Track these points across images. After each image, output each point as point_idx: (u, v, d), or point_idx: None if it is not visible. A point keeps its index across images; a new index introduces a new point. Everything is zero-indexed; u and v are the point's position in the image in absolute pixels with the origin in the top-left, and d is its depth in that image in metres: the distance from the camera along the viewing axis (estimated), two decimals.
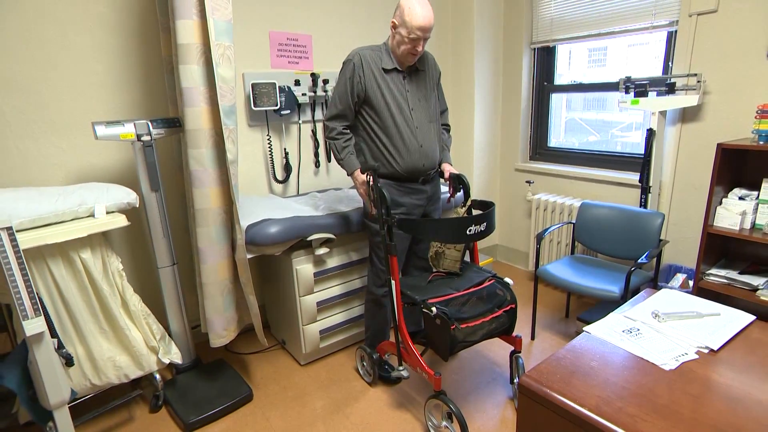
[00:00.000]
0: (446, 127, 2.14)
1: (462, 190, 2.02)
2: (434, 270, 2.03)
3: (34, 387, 1.53)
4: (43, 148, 1.94)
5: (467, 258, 2.11)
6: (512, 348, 1.96)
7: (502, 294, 1.82)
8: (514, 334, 1.89)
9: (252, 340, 2.52)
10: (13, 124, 1.87)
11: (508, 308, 1.80)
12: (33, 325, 1.42)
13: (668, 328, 1.21)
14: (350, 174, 1.93)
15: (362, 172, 1.90)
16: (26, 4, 1.83)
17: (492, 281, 1.88)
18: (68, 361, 1.56)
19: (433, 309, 1.69)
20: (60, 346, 1.54)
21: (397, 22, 1.78)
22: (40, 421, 1.57)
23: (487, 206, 1.87)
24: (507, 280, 1.88)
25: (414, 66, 1.93)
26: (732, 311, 1.28)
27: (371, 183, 1.80)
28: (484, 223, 1.72)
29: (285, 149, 2.55)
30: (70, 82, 1.96)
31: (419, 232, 1.76)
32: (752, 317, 1.24)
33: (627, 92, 2.42)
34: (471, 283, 1.88)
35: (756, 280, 1.94)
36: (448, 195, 2.12)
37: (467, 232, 1.69)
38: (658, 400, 0.95)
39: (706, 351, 1.11)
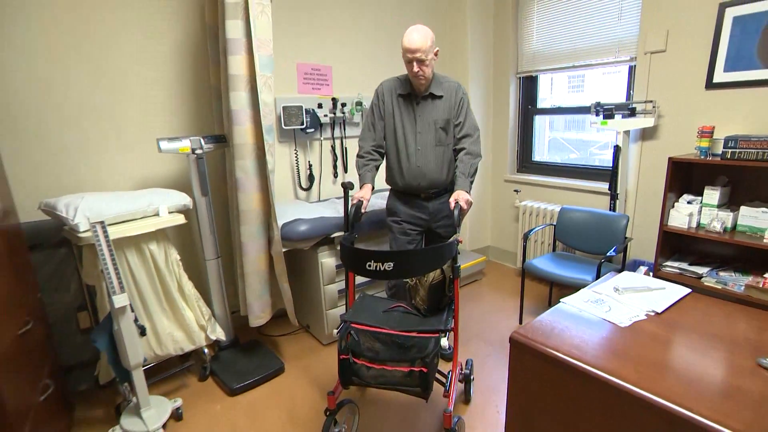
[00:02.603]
0: (465, 152, 1.96)
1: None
2: (411, 300, 1.82)
3: (117, 351, 1.75)
4: (114, 160, 2.19)
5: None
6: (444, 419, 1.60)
7: (421, 351, 1.48)
8: (445, 409, 1.63)
9: (280, 324, 2.74)
10: (93, 141, 2.11)
11: (418, 369, 1.45)
12: (120, 299, 1.65)
13: (625, 299, 1.45)
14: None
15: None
16: (110, 44, 2.09)
17: (433, 335, 1.53)
18: (142, 332, 1.78)
19: (335, 331, 1.59)
20: (135, 320, 1.76)
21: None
22: (121, 378, 1.79)
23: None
24: (444, 342, 1.50)
25: (430, 92, 1.97)
26: (674, 286, 1.52)
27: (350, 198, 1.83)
28: (391, 263, 1.44)
29: (309, 162, 2.80)
30: (137, 106, 2.21)
31: (342, 255, 1.62)
32: (688, 290, 1.48)
33: (597, 115, 2.69)
34: (412, 327, 1.60)
35: (701, 270, 2.19)
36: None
37: (366, 266, 1.46)
38: (615, 347, 1.19)
39: (652, 314, 1.35)
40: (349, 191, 2.05)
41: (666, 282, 1.56)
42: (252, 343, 2.46)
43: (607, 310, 1.38)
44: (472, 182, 1.94)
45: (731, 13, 2.11)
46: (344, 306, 2.46)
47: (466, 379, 1.99)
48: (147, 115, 2.25)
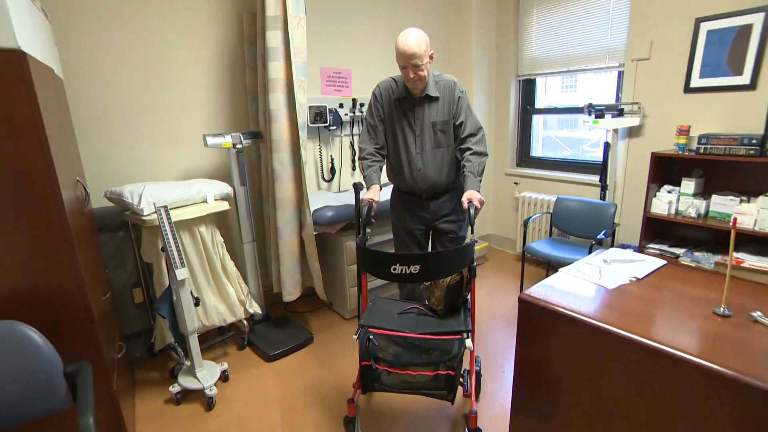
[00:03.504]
0: (470, 151, 1.90)
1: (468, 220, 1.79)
2: (426, 301, 1.79)
3: (176, 319, 1.99)
4: (163, 153, 2.42)
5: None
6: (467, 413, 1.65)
7: (448, 355, 1.46)
8: (470, 410, 1.61)
9: (306, 302, 2.99)
10: (144, 135, 2.35)
11: (445, 372, 1.44)
12: (181, 273, 1.89)
13: (613, 268, 1.72)
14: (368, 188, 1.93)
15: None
16: (160, 50, 2.32)
17: (455, 337, 1.50)
18: (197, 302, 2.03)
19: (355, 336, 1.53)
20: (191, 292, 2.01)
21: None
22: (179, 342, 2.04)
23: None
24: (468, 343, 1.48)
25: (427, 94, 1.89)
26: (653, 258, 1.79)
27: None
28: (417, 266, 1.42)
29: (331, 156, 3.04)
30: (183, 105, 2.45)
31: (360, 259, 1.59)
32: (664, 261, 1.75)
33: (590, 114, 2.96)
34: (431, 329, 1.56)
35: (679, 251, 2.47)
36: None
37: (391, 270, 1.43)
38: (604, 303, 1.45)
39: (634, 279, 1.62)
40: (360, 192, 2.02)
41: (646, 255, 1.83)
42: (282, 318, 2.71)
43: (597, 277, 1.65)
44: (480, 180, 1.89)
45: (705, 27, 2.38)
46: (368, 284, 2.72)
47: (477, 375, 1.90)
48: (191, 113, 2.48)
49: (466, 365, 1.87)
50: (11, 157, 1.29)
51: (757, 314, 1.26)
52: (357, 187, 2.02)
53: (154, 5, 2.26)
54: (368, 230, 1.80)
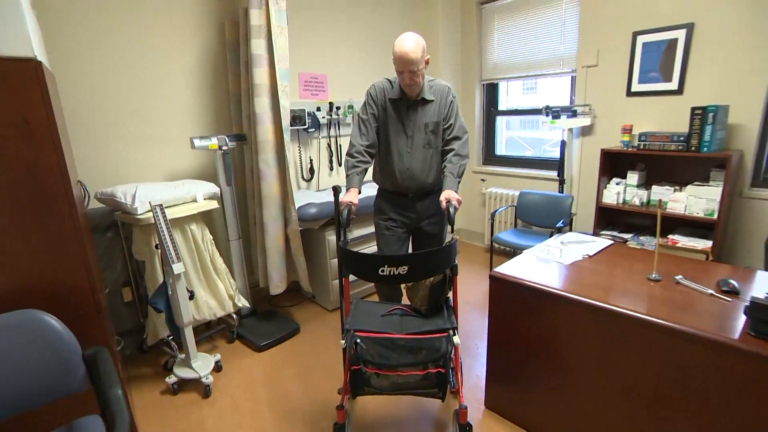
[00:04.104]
0: (453, 152, 1.94)
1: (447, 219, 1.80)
2: (410, 302, 1.80)
3: (172, 312, 2.11)
4: (150, 155, 2.51)
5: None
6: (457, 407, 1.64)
7: (436, 352, 1.48)
8: (459, 406, 1.61)
9: (289, 297, 3.13)
10: (132, 138, 2.44)
11: (436, 370, 1.46)
12: (177, 267, 2.00)
13: (568, 248, 1.99)
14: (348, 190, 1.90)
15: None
16: (150, 56, 2.42)
17: (442, 335, 1.54)
18: (191, 296, 2.15)
19: (342, 342, 1.53)
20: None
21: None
22: (174, 334, 2.15)
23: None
24: (456, 339, 1.53)
25: (422, 96, 1.93)
26: (602, 239, 2.08)
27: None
28: (405, 267, 1.45)
29: (310, 157, 3.21)
30: (168, 109, 2.55)
31: (344, 262, 1.61)
32: (611, 242, 2.05)
33: (547, 115, 3.27)
34: (417, 329, 1.58)
35: (627, 235, 2.81)
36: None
37: (379, 272, 1.45)
38: (562, 276, 1.70)
39: (587, 256, 1.89)
40: (339, 194, 2.00)
41: (596, 237, 2.13)
42: (268, 312, 2.84)
43: (557, 256, 1.92)
44: (459, 182, 1.93)
45: (641, 39, 2.73)
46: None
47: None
48: (176, 116, 2.58)
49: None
50: (28, 157, 1.40)
51: (679, 277, 1.55)
52: (336, 190, 2.02)
53: (137, 11, 2.36)
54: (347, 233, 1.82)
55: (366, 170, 1.97)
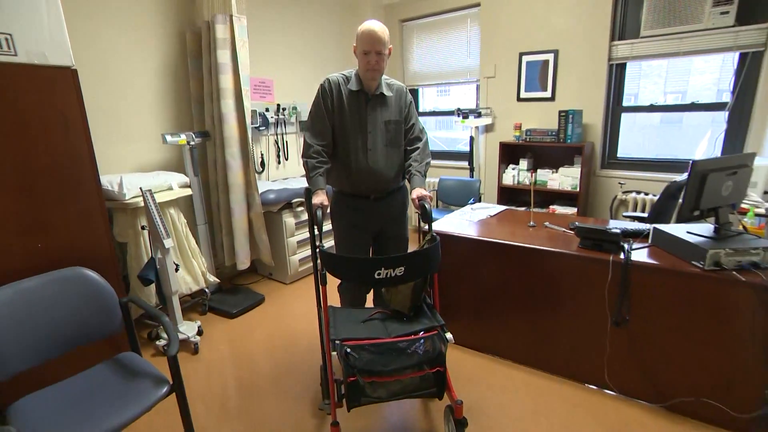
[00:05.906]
0: (417, 151, 1.96)
1: (424, 216, 1.80)
2: (389, 305, 1.79)
3: (161, 282, 2.48)
4: (119, 150, 2.81)
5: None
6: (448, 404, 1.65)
7: (431, 351, 1.49)
8: (455, 401, 1.56)
9: (249, 277, 3.55)
10: (102, 135, 2.72)
11: (435, 369, 1.48)
12: (168, 242, 2.39)
13: (477, 212, 2.76)
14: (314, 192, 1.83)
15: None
16: (118, 60, 2.72)
17: (432, 333, 1.54)
18: (177, 268, 2.54)
19: (334, 353, 1.47)
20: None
21: (355, 44, 1.83)
22: (162, 302, 2.52)
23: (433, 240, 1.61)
24: (448, 336, 1.51)
25: (380, 92, 1.89)
26: (499, 206, 2.89)
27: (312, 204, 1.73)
28: (402, 267, 1.42)
29: (261, 152, 3.66)
30: (135, 108, 2.86)
31: (332, 267, 1.51)
32: (506, 207, 2.86)
33: (458, 116, 4.08)
34: (407, 330, 1.58)
35: (521, 209, 3.71)
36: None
37: (375, 275, 1.41)
38: (474, 228, 2.43)
39: (489, 216, 2.67)
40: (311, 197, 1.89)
41: (495, 205, 2.94)
42: (233, 287, 3.26)
43: (469, 216, 2.67)
44: (424, 180, 1.94)
45: (525, 58, 3.65)
46: (301, 252, 3.42)
47: None
48: (142, 115, 2.90)
49: None
50: (66, 146, 1.77)
51: (546, 224, 2.37)
52: (309, 191, 1.87)
53: (101, 17, 2.65)
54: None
55: (327, 170, 1.91)
